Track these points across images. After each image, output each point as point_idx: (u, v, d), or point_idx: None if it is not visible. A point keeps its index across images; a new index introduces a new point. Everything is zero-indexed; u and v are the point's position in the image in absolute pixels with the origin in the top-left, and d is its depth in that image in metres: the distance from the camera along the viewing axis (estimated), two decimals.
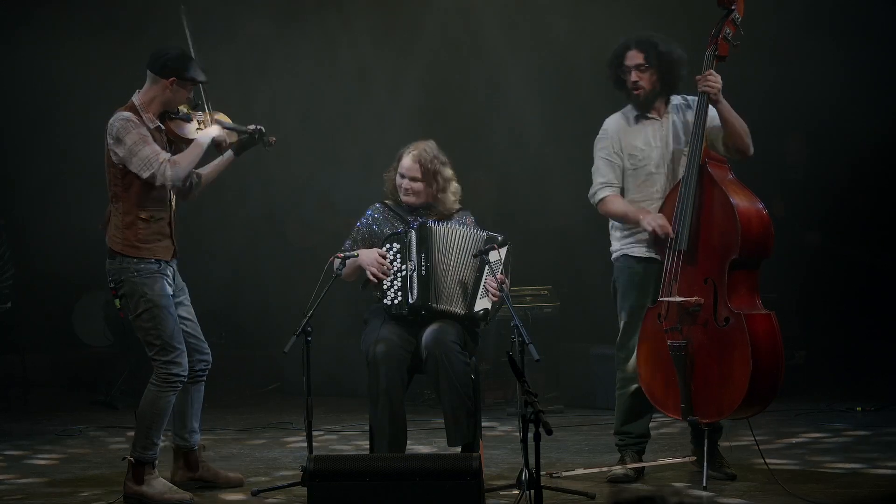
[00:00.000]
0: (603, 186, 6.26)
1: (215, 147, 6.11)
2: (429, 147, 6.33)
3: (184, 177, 5.96)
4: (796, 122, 9.57)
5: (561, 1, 9.76)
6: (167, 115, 6.01)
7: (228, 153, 6.19)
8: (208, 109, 6.13)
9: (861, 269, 9.42)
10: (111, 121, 5.91)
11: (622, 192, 6.26)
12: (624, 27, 7.03)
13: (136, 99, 5.97)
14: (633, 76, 6.18)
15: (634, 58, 6.18)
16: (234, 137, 6.18)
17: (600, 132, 6.34)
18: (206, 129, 6.07)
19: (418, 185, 6.29)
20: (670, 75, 6.20)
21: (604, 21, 9.20)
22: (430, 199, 6.32)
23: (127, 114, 5.90)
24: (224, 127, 6.16)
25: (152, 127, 5.94)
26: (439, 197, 6.32)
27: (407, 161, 6.30)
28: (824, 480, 6.14)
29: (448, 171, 6.34)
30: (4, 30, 10.01)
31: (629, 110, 6.31)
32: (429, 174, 6.28)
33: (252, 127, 6.18)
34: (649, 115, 6.25)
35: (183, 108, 6.06)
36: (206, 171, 6.23)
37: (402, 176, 6.31)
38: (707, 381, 5.94)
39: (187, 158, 5.96)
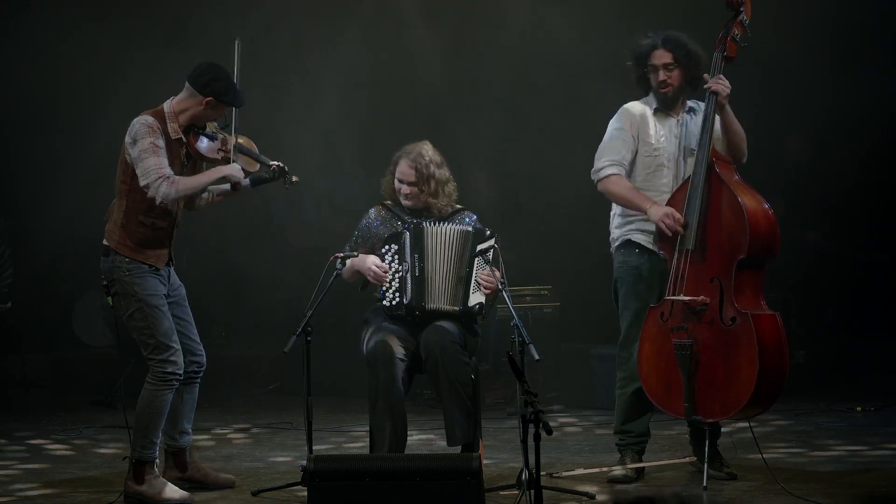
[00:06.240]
0: (611, 164, 6.17)
1: (230, 187, 5.98)
2: (424, 151, 6.30)
3: (176, 199, 5.82)
4: (796, 122, 9.57)
5: None
6: (193, 128, 5.91)
7: (244, 181, 6.05)
8: (234, 133, 5.98)
9: (861, 269, 9.42)
10: (134, 120, 5.84)
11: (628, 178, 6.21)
12: (627, 24, 7.02)
13: (168, 106, 5.88)
14: (662, 75, 6.16)
15: (662, 56, 6.15)
16: (254, 166, 6.06)
17: (620, 110, 6.26)
18: (226, 167, 5.91)
19: (415, 190, 6.29)
20: (695, 73, 6.17)
21: (607, 18, 9.20)
22: (426, 201, 6.32)
23: (150, 119, 5.82)
24: (245, 153, 6.02)
25: (174, 138, 5.85)
26: (434, 200, 6.30)
27: (403, 166, 6.29)
28: (824, 480, 6.14)
29: (443, 173, 6.31)
30: (4, 28, 10.00)
31: (650, 101, 6.26)
32: (423, 179, 6.27)
33: (275, 164, 6.05)
34: (670, 113, 6.24)
35: (211, 126, 5.97)
36: (215, 190, 6.12)
37: (400, 181, 6.31)
38: (712, 379, 5.93)
39: (189, 184, 5.85)
